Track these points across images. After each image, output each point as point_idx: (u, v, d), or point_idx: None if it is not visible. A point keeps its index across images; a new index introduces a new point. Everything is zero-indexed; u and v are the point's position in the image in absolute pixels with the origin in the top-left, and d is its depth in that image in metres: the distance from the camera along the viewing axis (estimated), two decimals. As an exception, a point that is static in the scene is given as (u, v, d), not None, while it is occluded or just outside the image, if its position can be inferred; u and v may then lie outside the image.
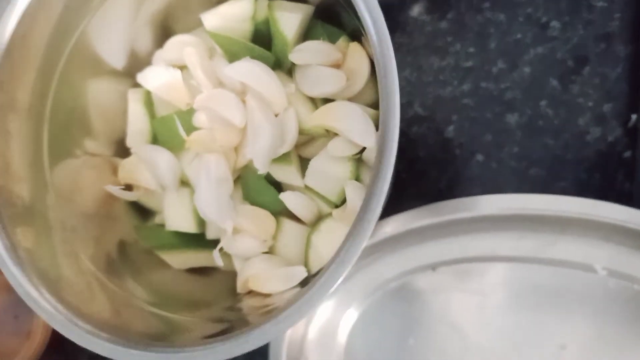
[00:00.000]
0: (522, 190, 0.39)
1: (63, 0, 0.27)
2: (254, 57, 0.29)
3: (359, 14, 0.22)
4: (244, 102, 0.29)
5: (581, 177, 0.38)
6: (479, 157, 0.39)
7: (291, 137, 0.29)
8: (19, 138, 0.28)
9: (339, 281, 0.22)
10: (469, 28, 0.40)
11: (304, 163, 0.31)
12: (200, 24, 0.32)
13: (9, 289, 0.45)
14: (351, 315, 0.39)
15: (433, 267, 0.39)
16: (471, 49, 0.40)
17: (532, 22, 0.39)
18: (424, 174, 0.41)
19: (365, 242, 0.22)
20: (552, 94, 0.39)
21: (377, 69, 0.22)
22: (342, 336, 0.39)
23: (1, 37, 0.26)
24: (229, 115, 0.28)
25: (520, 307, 0.38)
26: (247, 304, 0.28)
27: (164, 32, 0.33)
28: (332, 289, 0.22)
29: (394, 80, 0.21)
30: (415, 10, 0.41)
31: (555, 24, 0.39)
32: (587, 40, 0.38)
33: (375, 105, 0.31)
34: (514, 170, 0.39)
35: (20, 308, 0.42)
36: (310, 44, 0.29)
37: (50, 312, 0.25)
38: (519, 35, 0.39)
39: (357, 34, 0.30)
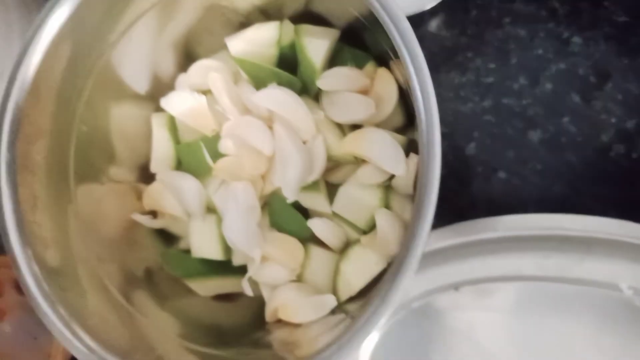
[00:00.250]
0: (546, 207, 0.38)
1: (88, 30, 0.26)
2: (281, 83, 0.29)
3: (398, 51, 0.22)
4: (270, 128, 0.29)
5: (605, 194, 0.38)
6: (501, 174, 0.39)
7: (320, 165, 0.28)
8: (46, 169, 0.27)
9: (380, 323, 0.21)
10: (490, 43, 0.39)
11: (330, 188, 0.30)
12: (223, 46, 0.32)
13: (29, 310, 0.45)
14: (374, 335, 0.39)
15: (456, 286, 0.39)
16: (492, 65, 0.39)
17: (553, 38, 0.39)
18: (445, 192, 0.41)
19: (406, 282, 0.21)
20: (575, 110, 0.38)
21: (415, 106, 0.21)
22: (365, 357, 0.39)
23: (27, 71, 0.25)
24: (257, 143, 0.28)
25: (546, 327, 0.38)
26: (277, 336, 0.28)
27: (186, 55, 0.32)
28: (371, 333, 0.21)
29: (436, 125, 0.21)
30: (434, 25, 0.40)
31: (576, 39, 0.38)
32: (609, 56, 0.38)
33: (401, 129, 0.31)
34: (537, 187, 0.39)
35: (39, 329, 0.42)
36: (338, 70, 0.28)
37: (82, 351, 0.24)
38: (540, 51, 0.39)
39: (383, 57, 0.29)
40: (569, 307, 0.37)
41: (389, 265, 0.29)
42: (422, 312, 0.39)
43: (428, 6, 0.36)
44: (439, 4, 0.37)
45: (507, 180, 0.39)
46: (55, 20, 0.25)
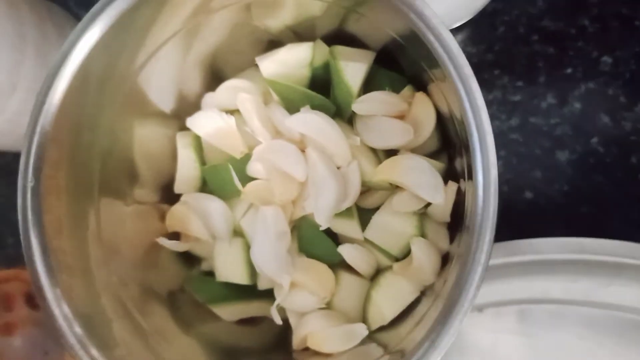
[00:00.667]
0: (572, 229, 0.38)
1: (116, 54, 0.25)
2: (314, 106, 0.28)
3: (444, 69, 0.21)
4: (303, 151, 0.28)
5: (634, 216, 0.37)
6: (528, 194, 0.38)
7: (354, 192, 0.27)
8: (71, 194, 0.26)
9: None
10: (517, 61, 0.39)
11: (362, 213, 0.30)
12: (250, 65, 0.31)
13: (40, 324, 0.44)
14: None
15: (480, 308, 0.38)
16: (519, 83, 0.38)
17: (582, 56, 0.38)
18: (469, 211, 0.40)
19: (458, 326, 0.21)
20: (604, 130, 0.38)
21: (470, 143, 0.20)
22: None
23: (54, 96, 0.24)
24: (289, 168, 0.27)
25: (570, 350, 0.37)
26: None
27: (213, 74, 0.31)
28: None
29: (492, 160, 0.20)
30: (460, 41, 0.39)
31: (606, 58, 0.38)
32: (639, 76, 0.37)
33: (436, 153, 0.30)
34: (564, 208, 0.38)
35: (50, 344, 0.41)
36: (375, 95, 0.27)
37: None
38: (569, 70, 0.38)
39: (419, 80, 0.28)
40: (594, 331, 0.37)
41: (422, 293, 0.28)
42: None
43: (455, 25, 0.35)
44: (467, 19, 0.37)
45: (533, 200, 0.38)
46: (83, 45, 0.23)
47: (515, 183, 0.39)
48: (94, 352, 0.24)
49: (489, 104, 0.37)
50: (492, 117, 0.39)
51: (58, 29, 0.44)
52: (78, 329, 0.23)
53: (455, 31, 0.40)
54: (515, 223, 0.38)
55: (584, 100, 0.38)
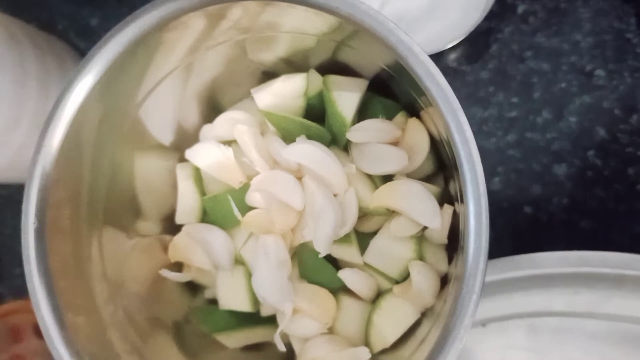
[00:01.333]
0: (574, 242, 0.38)
1: (115, 93, 0.26)
2: (310, 135, 0.28)
3: (432, 102, 0.21)
4: (300, 180, 0.29)
5: (635, 229, 0.37)
6: (527, 210, 0.39)
7: (352, 219, 0.28)
8: (74, 232, 0.27)
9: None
10: (512, 77, 0.39)
11: (360, 237, 0.30)
12: (247, 95, 0.31)
13: (49, 356, 0.44)
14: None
15: (483, 323, 0.38)
16: (515, 99, 0.39)
17: (576, 71, 0.38)
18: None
19: (458, 350, 0.21)
20: (601, 143, 0.38)
21: (460, 173, 0.21)
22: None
23: (53, 138, 0.25)
24: (288, 198, 0.28)
25: (576, 363, 0.37)
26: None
27: (210, 106, 0.32)
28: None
29: (482, 192, 0.20)
30: (454, 60, 0.40)
31: (600, 72, 0.38)
32: (634, 88, 0.38)
33: (432, 176, 0.30)
34: (564, 223, 0.38)
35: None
36: (368, 123, 0.28)
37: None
38: (563, 85, 0.38)
39: (412, 105, 0.29)
40: (600, 344, 0.37)
41: (423, 315, 0.29)
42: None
43: (449, 45, 0.36)
44: (460, 39, 0.37)
45: (533, 215, 0.39)
46: (80, 89, 0.24)
47: (515, 199, 0.39)
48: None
49: (485, 120, 0.37)
50: (489, 134, 0.40)
51: (59, 61, 0.44)
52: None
53: (449, 51, 0.40)
54: (516, 238, 0.39)
55: (580, 114, 0.39)
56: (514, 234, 0.39)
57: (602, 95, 0.38)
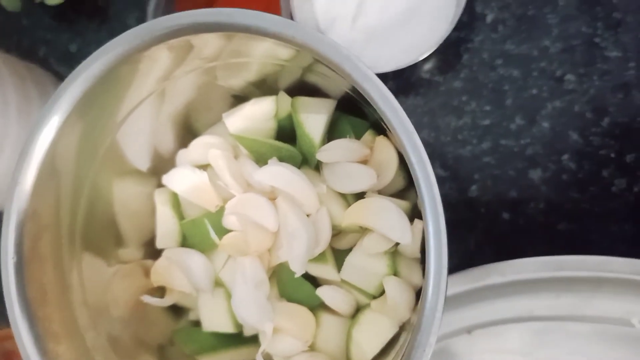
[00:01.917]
0: (553, 245, 0.39)
1: (88, 122, 0.27)
2: (282, 157, 0.29)
3: (392, 132, 0.22)
4: (273, 201, 0.29)
5: (611, 229, 0.38)
6: (505, 215, 0.39)
7: (325, 237, 0.28)
8: (53, 261, 0.27)
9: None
10: (484, 86, 0.40)
11: (337, 254, 0.31)
12: (220, 119, 0.32)
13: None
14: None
15: (468, 330, 0.39)
16: (487, 107, 0.39)
17: (547, 76, 0.39)
18: (451, 235, 0.41)
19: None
20: (574, 147, 0.38)
21: (418, 193, 0.21)
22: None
23: (27, 175, 0.25)
24: (262, 220, 0.28)
25: (561, 365, 0.37)
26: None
27: (186, 131, 0.33)
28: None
29: (438, 202, 0.21)
30: (427, 71, 0.40)
31: (570, 76, 0.39)
32: (604, 91, 0.38)
33: (403, 191, 0.31)
34: (542, 226, 0.39)
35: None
36: (337, 143, 0.28)
37: None
38: (534, 91, 0.39)
39: (380, 124, 0.29)
40: (583, 344, 0.37)
41: (402, 328, 0.29)
42: (437, 356, 0.39)
43: (421, 58, 0.37)
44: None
45: (511, 220, 0.39)
46: (52, 124, 0.25)
47: (493, 205, 0.40)
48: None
49: (459, 129, 0.38)
50: (464, 142, 0.40)
51: (39, 87, 0.45)
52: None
53: (422, 62, 0.41)
54: (495, 244, 0.39)
55: (552, 119, 0.39)
56: (494, 239, 0.40)
57: (573, 99, 0.39)
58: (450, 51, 0.40)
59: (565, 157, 0.39)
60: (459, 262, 0.36)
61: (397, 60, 0.37)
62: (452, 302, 0.38)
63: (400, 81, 0.41)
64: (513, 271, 0.36)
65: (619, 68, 0.38)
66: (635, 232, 0.38)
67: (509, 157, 0.39)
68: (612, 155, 0.38)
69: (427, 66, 0.41)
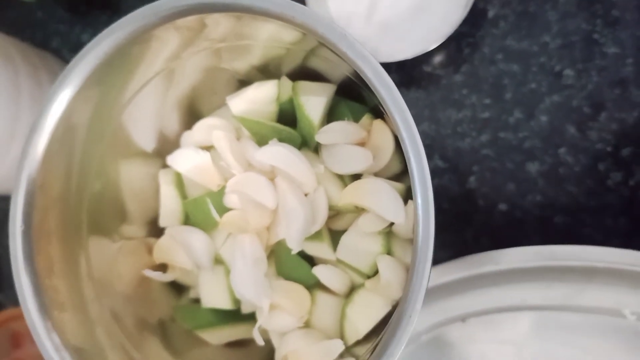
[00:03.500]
0: (548, 238, 0.39)
1: (97, 101, 0.28)
2: (282, 138, 0.30)
3: (386, 110, 0.23)
4: (272, 180, 0.30)
5: (606, 222, 0.38)
6: (502, 207, 0.40)
7: (322, 216, 0.29)
8: (60, 234, 0.28)
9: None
10: (484, 80, 0.40)
11: (333, 235, 0.31)
12: (224, 103, 0.33)
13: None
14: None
15: (463, 318, 0.40)
16: (487, 100, 0.40)
17: (546, 72, 0.40)
18: (448, 226, 0.42)
19: (408, 334, 0.22)
20: (571, 141, 0.39)
21: (409, 167, 0.22)
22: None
23: (38, 143, 0.26)
24: (261, 198, 0.29)
25: (553, 354, 0.38)
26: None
27: (190, 114, 0.34)
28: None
29: (428, 182, 0.21)
30: (429, 65, 0.41)
31: (568, 72, 0.39)
32: (602, 87, 0.39)
33: (399, 175, 0.32)
34: (538, 219, 0.39)
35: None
36: (335, 125, 0.29)
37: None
38: (533, 85, 0.40)
39: (378, 108, 0.30)
40: (575, 334, 0.38)
41: (394, 307, 0.30)
42: (431, 344, 0.40)
43: (431, 47, 0.37)
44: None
45: (508, 212, 0.40)
46: (63, 96, 0.26)
47: (490, 196, 0.41)
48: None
49: (459, 122, 0.39)
50: (464, 135, 0.41)
51: (51, 76, 0.46)
52: (68, 357, 0.25)
53: (425, 56, 0.42)
54: (492, 235, 0.40)
55: (550, 113, 0.40)
56: (490, 231, 0.41)
57: (571, 94, 0.40)
58: (451, 46, 0.41)
59: (562, 150, 0.40)
60: (455, 253, 0.37)
61: (411, 49, 0.38)
62: (447, 290, 0.38)
63: (403, 75, 0.42)
64: (507, 260, 0.37)
65: (617, 64, 0.39)
66: (629, 226, 0.39)
67: (507, 150, 0.40)
68: (609, 149, 0.39)
69: (429, 60, 0.42)
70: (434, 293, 0.38)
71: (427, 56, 0.42)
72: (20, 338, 0.46)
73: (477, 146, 0.41)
